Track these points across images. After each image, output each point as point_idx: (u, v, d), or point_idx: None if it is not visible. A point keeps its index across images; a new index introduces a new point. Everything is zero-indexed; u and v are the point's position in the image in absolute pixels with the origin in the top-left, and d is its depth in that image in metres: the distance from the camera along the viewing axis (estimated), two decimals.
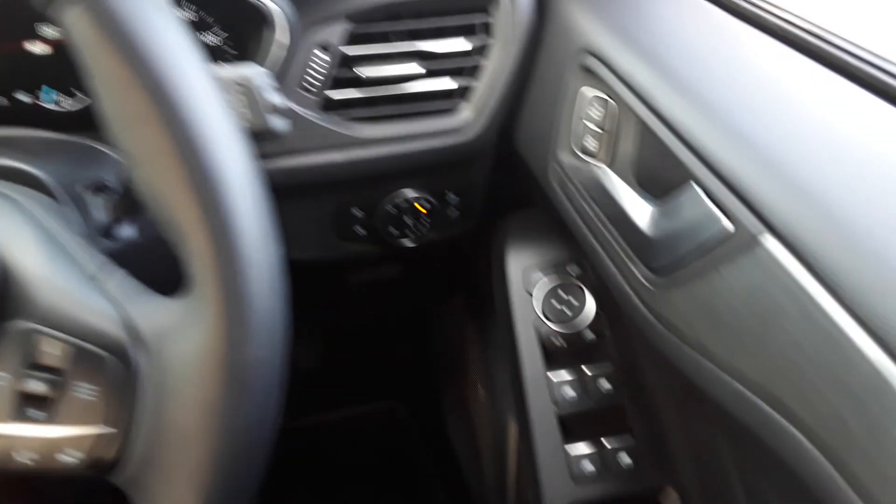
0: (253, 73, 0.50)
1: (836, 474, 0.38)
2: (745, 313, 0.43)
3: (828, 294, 0.37)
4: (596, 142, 0.60)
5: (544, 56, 0.68)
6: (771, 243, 0.41)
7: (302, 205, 0.75)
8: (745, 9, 0.58)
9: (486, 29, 0.69)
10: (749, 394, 0.43)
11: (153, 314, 0.40)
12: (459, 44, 0.68)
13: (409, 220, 0.77)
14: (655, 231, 0.51)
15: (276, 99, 0.52)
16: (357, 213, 0.76)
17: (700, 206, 0.47)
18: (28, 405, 0.37)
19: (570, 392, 0.69)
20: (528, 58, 0.69)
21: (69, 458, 0.38)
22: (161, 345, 0.39)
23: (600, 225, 0.58)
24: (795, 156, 0.42)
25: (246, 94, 0.49)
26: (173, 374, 0.39)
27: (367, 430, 1.27)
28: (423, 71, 0.67)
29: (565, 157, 0.63)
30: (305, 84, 0.66)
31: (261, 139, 0.52)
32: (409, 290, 1.00)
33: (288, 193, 0.72)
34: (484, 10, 0.68)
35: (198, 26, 0.64)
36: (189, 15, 0.63)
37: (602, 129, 0.59)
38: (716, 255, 0.45)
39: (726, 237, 0.44)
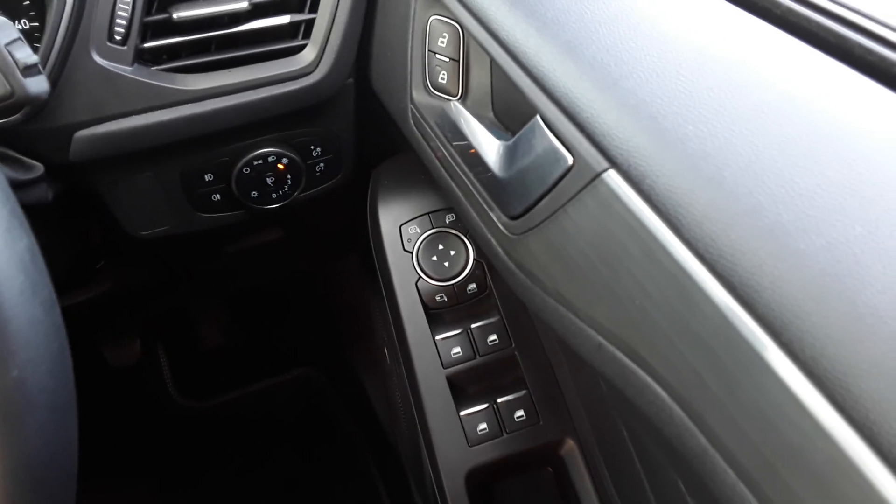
0: None
1: (694, 428, 0.33)
2: (594, 256, 0.37)
3: (669, 230, 0.32)
4: (446, 74, 0.53)
5: None
6: (612, 177, 0.35)
7: (143, 176, 0.66)
8: None
9: None
10: (608, 345, 0.39)
11: None
12: None
13: (269, 182, 0.69)
14: (507, 171, 0.45)
15: (27, 54, 0.43)
16: (209, 178, 0.68)
17: (544, 140, 0.41)
18: None
19: (457, 350, 0.64)
20: None
21: None
22: None
23: (457, 168, 0.52)
24: (638, 83, 0.36)
25: None
26: None
27: (287, 399, 1.22)
28: (248, 6, 0.58)
29: (419, 95, 0.56)
30: (113, 35, 0.56)
31: (18, 107, 0.43)
32: (295, 252, 0.93)
33: (123, 164, 0.64)
34: None
35: None
36: None
37: (451, 59, 0.52)
38: (560, 193, 0.39)
39: (567, 172, 0.38)
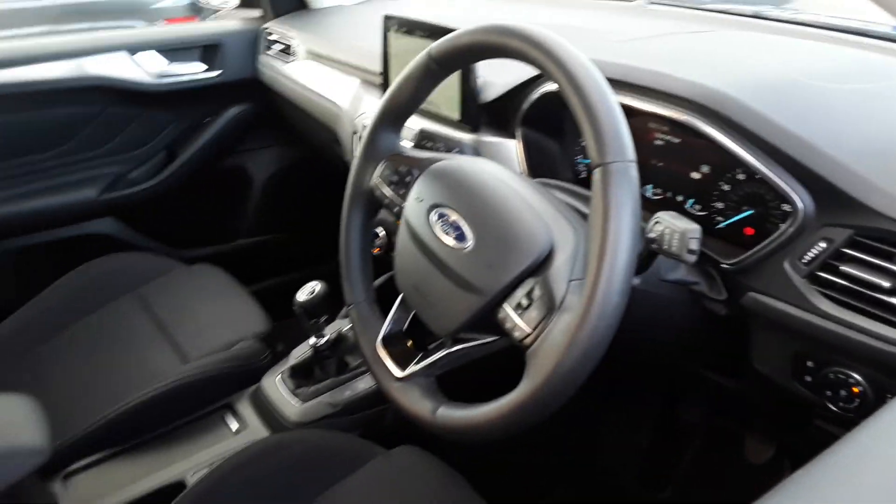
0: (690, 228, 0.81)
1: None
2: None
3: None
4: None
5: None
6: None
7: (774, 335, 0.99)
8: None
9: None
10: None
11: (573, 298, 0.82)
12: None
13: (842, 394, 0.91)
14: None
15: (695, 247, 0.81)
16: (809, 364, 0.95)
17: None
18: (517, 311, 0.86)
19: None
20: None
21: (517, 335, 0.85)
22: (564, 309, 0.80)
23: None
24: None
25: (680, 237, 0.81)
26: (564, 320, 0.78)
27: None
28: (890, 286, 0.81)
29: None
30: (802, 257, 0.90)
31: (679, 261, 0.84)
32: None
33: (767, 324, 0.98)
34: None
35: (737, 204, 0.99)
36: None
37: None
38: None
39: None
